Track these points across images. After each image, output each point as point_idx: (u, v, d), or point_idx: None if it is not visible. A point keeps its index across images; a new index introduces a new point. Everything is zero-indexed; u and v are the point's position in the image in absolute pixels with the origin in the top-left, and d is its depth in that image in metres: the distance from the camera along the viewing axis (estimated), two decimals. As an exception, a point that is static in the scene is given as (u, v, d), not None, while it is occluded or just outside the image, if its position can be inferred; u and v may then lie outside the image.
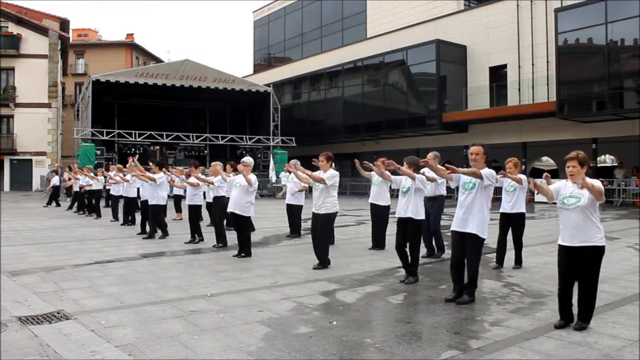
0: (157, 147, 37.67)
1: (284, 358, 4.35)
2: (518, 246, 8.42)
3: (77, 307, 5.89)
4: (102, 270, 8.08)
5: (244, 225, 9.44)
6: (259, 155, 33.96)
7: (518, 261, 8.40)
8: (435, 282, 7.27)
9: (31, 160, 37.11)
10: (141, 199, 13.02)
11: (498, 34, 28.29)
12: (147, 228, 12.45)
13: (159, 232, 12.02)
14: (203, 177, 10.95)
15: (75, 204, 19.91)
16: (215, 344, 4.67)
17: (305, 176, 8.64)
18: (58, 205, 22.63)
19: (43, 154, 37.18)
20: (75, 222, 15.94)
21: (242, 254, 9.34)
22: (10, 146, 36.79)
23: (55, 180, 23.62)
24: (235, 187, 9.39)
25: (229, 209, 9.44)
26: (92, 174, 17.88)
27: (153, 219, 12.00)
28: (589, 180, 5.00)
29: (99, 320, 5.36)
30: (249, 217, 9.51)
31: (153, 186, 11.90)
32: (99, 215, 16.91)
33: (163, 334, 4.92)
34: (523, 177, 8.26)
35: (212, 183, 10.63)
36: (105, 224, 15.27)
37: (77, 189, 19.43)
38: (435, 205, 9.29)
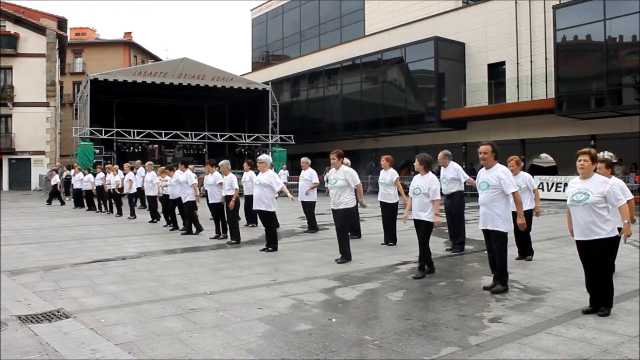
0: (156, 146, 37.64)
1: (283, 355, 4.35)
2: (525, 240, 8.67)
3: (76, 305, 5.90)
4: (101, 269, 8.09)
5: (269, 220, 9.72)
6: (258, 153, 33.88)
7: (521, 253, 8.68)
8: (435, 279, 7.28)
9: (30, 159, 37.06)
10: (170, 197, 13.37)
11: (496, 31, 28.27)
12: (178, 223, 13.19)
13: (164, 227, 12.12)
14: (222, 181, 11.34)
15: (83, 203, 20.18)
16: (215, 341, 4.68)
17: (361, 195, 8.81)
18: (63, 203, 22.66)
19: (41, 153, 37.13)
20: (74, 221, 15.94)
21: (270, 249, 9.67)
22: (9, 145, 36.72)
23: (55, 179, 23.62)
24: (256, 185, 9.69)
25: (255, 207, 9.75)
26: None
27: (188, 215, 12.43)
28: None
29: (99, 318, 5.37)
30: (274, 211, 9.80)
31: (183, 185, 12.45)
32: (120, 213, 17.12)
33: (163, 332, 4.92)
34: (526, 178, 8.53)
35: (222, 184, 11.11)
36: (105, 223, 15.28)
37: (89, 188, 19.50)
38: (454, 201, 9.43)
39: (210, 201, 11.85)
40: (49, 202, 22.86)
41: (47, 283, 7.08)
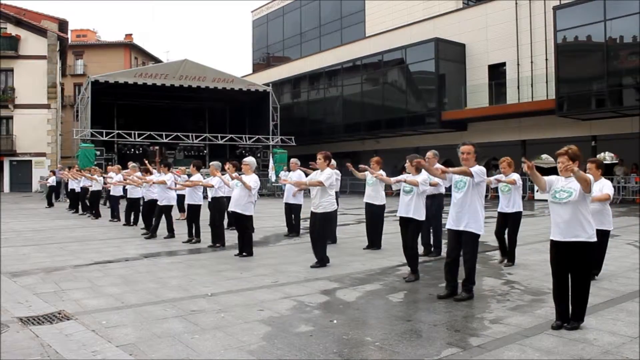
0: (157, 147, 37.66)
1: (284, 357, 4.36)
2: (511, 244, 8.46)
3: (77, 307, 5.90)
4: (102, 271, 8.09)
5: (244, 224, 9.45)
6: (259, 155, 33.94)
7: (510, 259, 8.44)
8: (435, 280, 7.28)
9: (31, 161, 37.08)
10: (145, 199, 13.32)
11: (497, 32, 28.31)
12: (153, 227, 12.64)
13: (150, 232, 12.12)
14: (204, 181, 11.08)
15: (78, 205, 20.03)
16: (216, 343, 4.68)
17: (304, 182, 8.67)
18: (51, 205, 22.56)
19: (43, 155, 37.15)
20: (75, 222, 15.94)
21: (244, 254, 9.37)
22: (10, 147, 36.76)
23: (51, 181, 23.62)
24: (236, 186, 9.41)
25: (230, 209, 9.49)
26: (89, 175, 17.99)
27: (159, 218, 12.16)
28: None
29: (100, 320, 5.37)
30: (250, 216, 9.51)
31: (162, 187, 12.16)
32: (97, 216, 17.01)
33: (164, 334, 4.93)
34: (516, 176, 8.32)
35: (212, 186, 10.67)
36: (106, 224, 15.29)
37: (78, 190, 19.43)
38: (435, 204, 9.29)
39: (188, 202, 11.81)
40: (49, 204, 22.83)
41: (48, 285, 7.08)
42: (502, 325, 5.17)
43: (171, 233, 12.02)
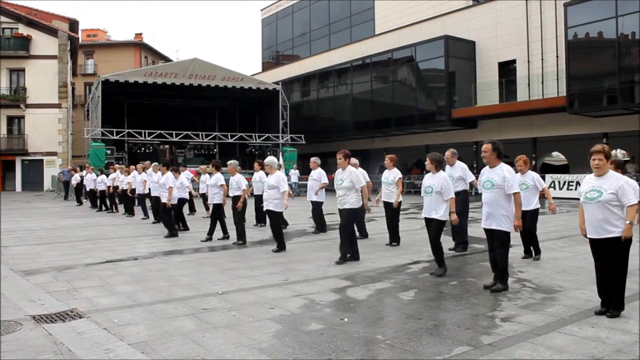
0: (167, 146, 37.85)
1: (295, 355, 4.36)
2: (531, 238, 8.62)
3: (90, 305, 5.94)
4: (114, 269, 8.14)
5: (275, 220, 9.77)
6: (269, 153, 33.98)
7: (527, 251, 8.66)
8: (446, 278, 7.26)
9: (42, 160, 37.39)
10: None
11: (507, 29, 28.13)
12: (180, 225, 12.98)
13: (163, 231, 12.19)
14: (241, 193, 11.06)
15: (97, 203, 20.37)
16: (227, 341, 4.70)
17: (365, 203, 8.83)
18: (80, 203, 22.98)
19: (54, 154, 37.45)
20: (87, 221, 16.06)
21: (278, 249, 9.69)
22: (22, 147, 37.10)
23: (76, 178, 23.95)
24: (266, 187, 9.79)
25: (265, 207, 9.85)
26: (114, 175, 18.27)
27: (171, 215, 12.33)
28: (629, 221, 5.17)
29: (112, 318, 5.41)
30: (277, 212, 9.75)
31: (163, 187, 12.40)
32: (132, 214, 17.26)
33: (175, 332, 4.95)
34: (535, 174, 8.64)
35: (247, 192, 10.93)
36: (117, 222, 15.38)
37: (103, 189, 19.62)
38: (459, 200, 9.33)
39: (212, 201, 11.89)
40: (79, 201, 23.29)
41: (61, 283, 7.14)
42: (514, 324, 5.15)
43: (173, 231, 12.04)
